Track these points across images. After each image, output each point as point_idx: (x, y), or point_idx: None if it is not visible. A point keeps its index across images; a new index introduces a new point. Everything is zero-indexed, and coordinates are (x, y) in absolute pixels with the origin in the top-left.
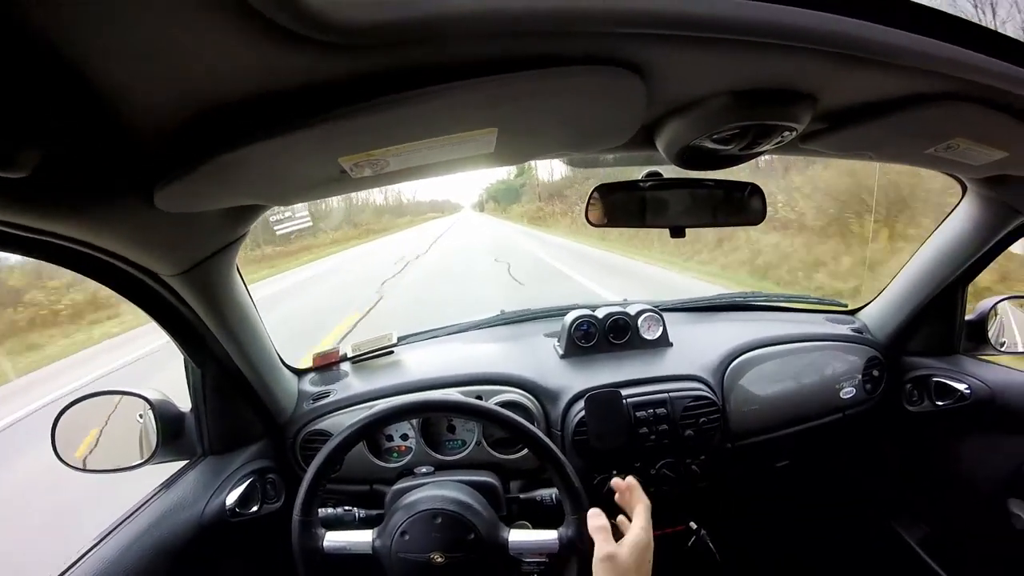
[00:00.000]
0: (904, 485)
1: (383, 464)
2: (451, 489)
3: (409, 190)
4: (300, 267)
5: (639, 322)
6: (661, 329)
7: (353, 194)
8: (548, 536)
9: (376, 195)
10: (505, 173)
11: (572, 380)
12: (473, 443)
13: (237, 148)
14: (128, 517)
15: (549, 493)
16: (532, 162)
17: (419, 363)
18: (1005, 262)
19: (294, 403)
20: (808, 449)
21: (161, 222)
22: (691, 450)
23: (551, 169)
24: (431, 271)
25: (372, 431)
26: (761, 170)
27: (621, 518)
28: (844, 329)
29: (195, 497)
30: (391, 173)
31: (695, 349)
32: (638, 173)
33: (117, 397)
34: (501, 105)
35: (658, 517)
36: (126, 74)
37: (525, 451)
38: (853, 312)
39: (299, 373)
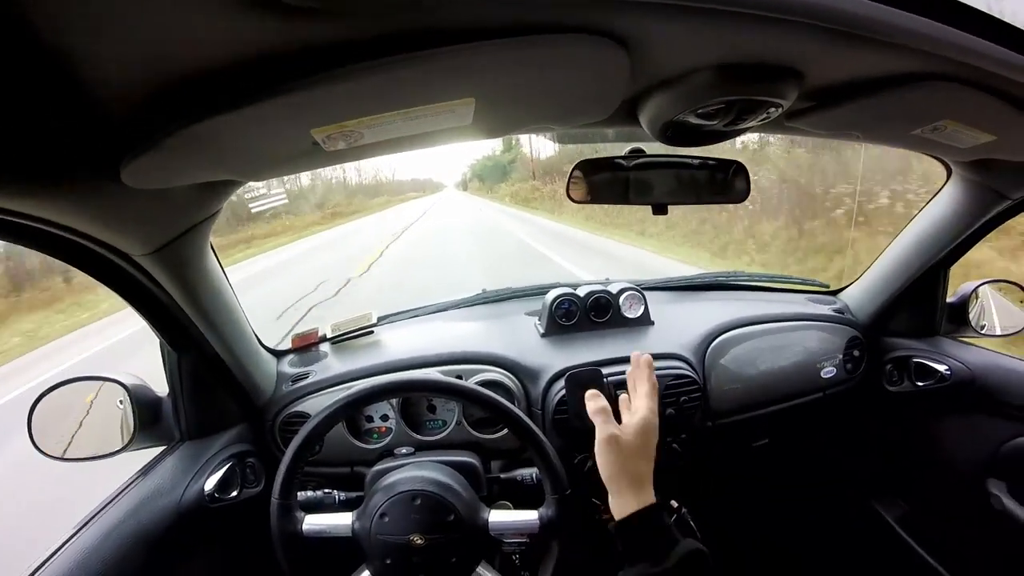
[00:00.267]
0: (884, 464)
1: (363, 445)
2: (431, 470)
3: (388, 168)
4: None
5: (620, 300)
6: (643, 308)
7: (323, 171)
8: (529, 516)
9: (351, 172)
10: (490, 149)
11: (553, 359)
12: (453, 423)
13: (205, 119)
14: (106, 505)
15: (530, 473)
16: (523, 137)
17: (399, 343)
18: None
19: (273, 385)
20: (789, 428)
21: (129, 199)
22: (672, 429)
23: (544, 144)
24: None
25: (351, 412)
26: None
27: (624, 397)
28: (825, 309)
29: (173, 483)
30: (366, 146)
31: (676, 328)
32: (622, 150)
33: (94, 383)
34: (478, 74)
35: None
36: (86, 39)
37: (506, 431)
38: (835, 293)
39: (278, 355)
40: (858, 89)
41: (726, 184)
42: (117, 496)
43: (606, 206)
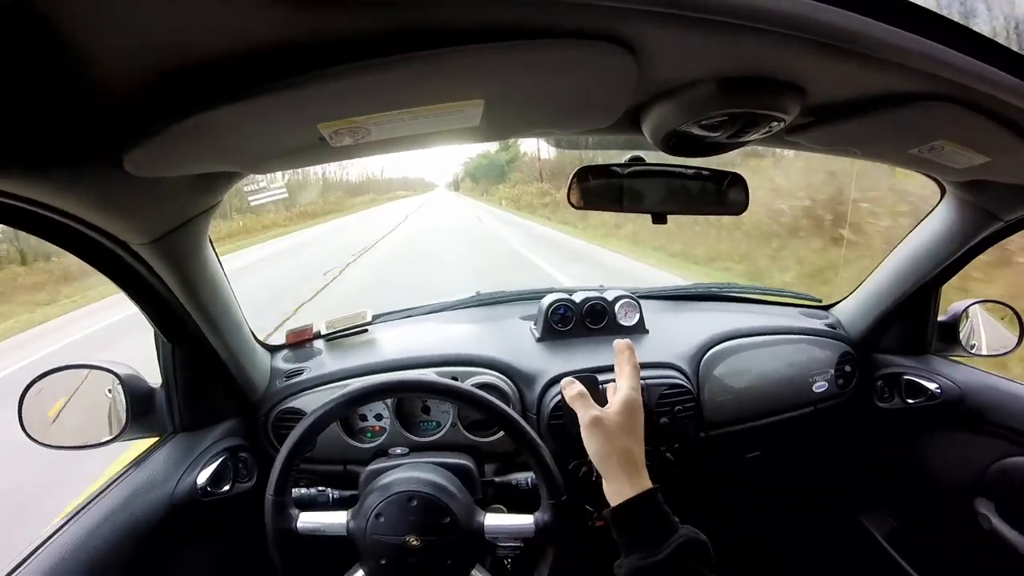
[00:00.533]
0: (873, 480)
1: (357, 444)
2: (427, 471)
3: (377, 165)
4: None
5: (616, 308)
6: (638, 316)
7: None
8: (524, 521)
9: (335, 167)
10: (484, 147)
11: (548, 364)
12: (448, 425)
13: (211, 109)
14: (97, 496)
15: (525, 477)
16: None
17: (394, 342)
18: None
19: (267, 380)
20: (780, 441)
21: (131, 187)
22: (665, 438)
23: (544, 145)
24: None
25: (347, 410)
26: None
27: (611, 387)
28: (818, 324)
29: (166, 475)
30: (373, 143)
31: (671, 337)
32: (623, 157)
33: (85, 371)
34: (490, 75)
35: None
36: (93, 22)
37: (501, 434)
38: (827, 307)
39: (272, 350)
40: (858, 107)
41: (721, 196)
42: (108, 487)
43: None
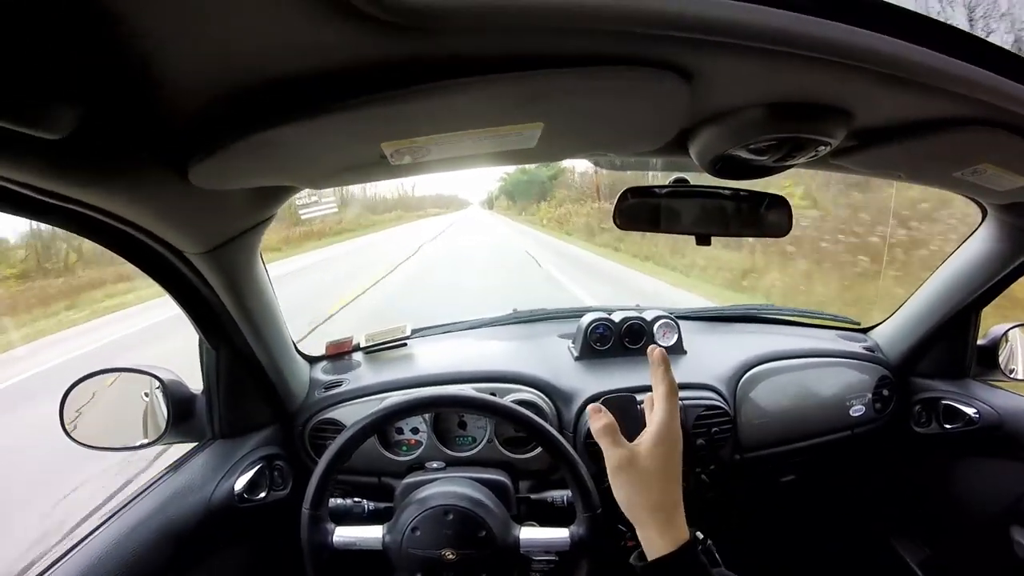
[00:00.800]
0: (907, 506)
1: (392, 457)
2: (463, 486)
3: (410, 180)
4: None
5: (655, 328)
6: (676, 336)
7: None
8: (560, 534)
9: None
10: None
11: (586, 382)
12: (484, 440)
13: (279, 126)
14: (136, 497)
15: (561, 495)
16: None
17: (432, 357)
18: None
19: (305, 390)
20: (815, 465)
21: (192, 198)
22: (701, 459)
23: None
24: None
25: (386, 424)
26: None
27: (646, 398)
28: (856, 347)
29: (204, 480)
30: (431, 162)
31: (709, 358)
32: (654, 177)
33: (123, 374)
34: (551, 100)
35: None
36: (173, 38)
37: (536, 451)
38: (865, 330)
39: (311, 361)
40: (903, 131)
41: (761, 217)
42: (147, 489)
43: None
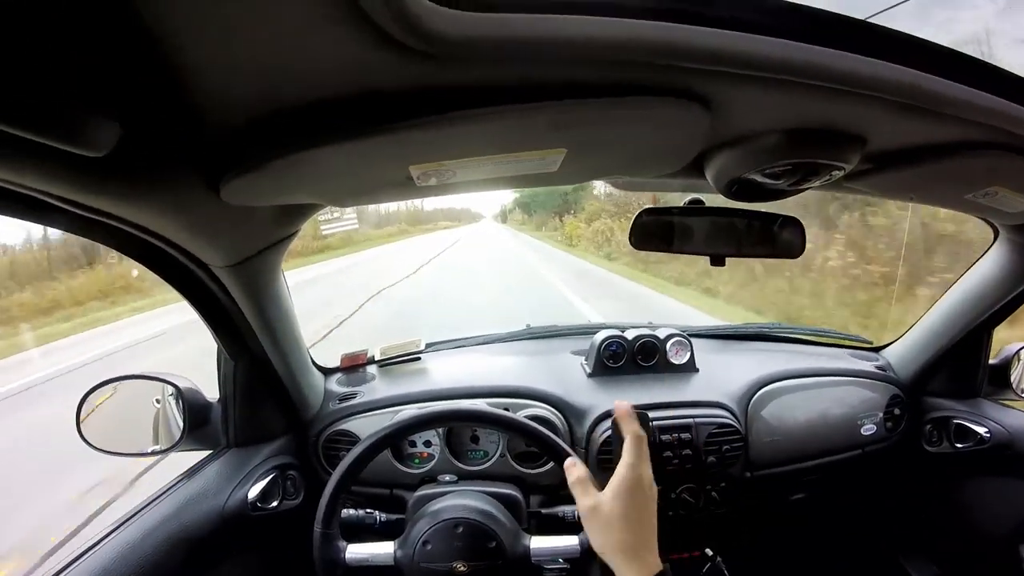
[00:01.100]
0: (917, 525)
1: (405, 469)
2: (473, 498)
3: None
4: None
5: (667, 346)
6: (688, 354)
7: None
8: (570, 542)
9: None
10: None
11: (599, 399)
12: (496, 455)
13: (312, 147)
14: (150, 503)
15: (572, 510)
16: None
17: (446, 371)
18: None
19: (320, 401)
20: (825, 483)
21: (222, 214)
22: (712, 477)
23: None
24: None
25: (399, 439)
26: None
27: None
28: (868, 366)
29: (218, 488)
30: (454, 184)
31: (721, 376)
32: (670, 198)
33: (141, 382)
34: (575, 128)
35: (675, 542)
36: (213, 59)
37: (548, 466)
38: (877, 349)
39: (326, 372)
40: (916, 155)
41: (774, 238)
42: (161, 495)
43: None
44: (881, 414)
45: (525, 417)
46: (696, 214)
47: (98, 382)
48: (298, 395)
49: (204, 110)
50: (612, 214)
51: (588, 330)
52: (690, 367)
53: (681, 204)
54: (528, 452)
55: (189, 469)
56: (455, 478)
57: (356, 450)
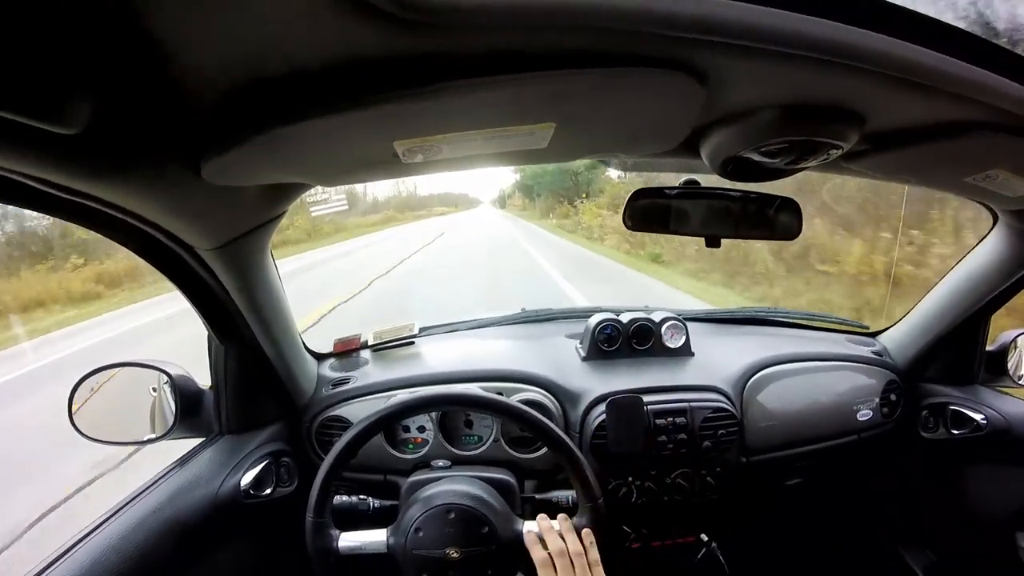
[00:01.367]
0: (913, 511)
1: (398, 455)
2: (465, 484)
3: (412, 179)
4: None
5: (663, 330)
6: (684, 338)
7: None
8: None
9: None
10: None
11: (593, 383)
12: (490, 439)
13: (293, 122)
14: (142, 492)
15: (566, 495)
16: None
17: (439, 356)
18: None
19: (313, 387)
20: (821, 469)
21: (204, 194)
22: (707, 462)
23: None
24: None
25: (391, 423)
26: None
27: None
28: (864, 351)
29: (210, 475)
30: (442, 161)
31: (716, 361)
32: (666, 180)
33: (134, 369)
34: (563, 100)
35: (670, 527)
36: (190, 33)
37: (542, 451)
38: (874, 335)
39: (319, 358)
40: (915, 135)
41: (771, 220)
42: (153, 484)
43: None
44: (877, 400)
45: (519, 401)
46: (692, 195)
47: (89, 370)
48: (290, 381)
49: (180, 84)
50: None
51: (583, 313)
52: (685, 351)
53: (677, 185)
54: (522, 437)
55: (182, 457)
56: (448, 463)
57: (346, 436)
